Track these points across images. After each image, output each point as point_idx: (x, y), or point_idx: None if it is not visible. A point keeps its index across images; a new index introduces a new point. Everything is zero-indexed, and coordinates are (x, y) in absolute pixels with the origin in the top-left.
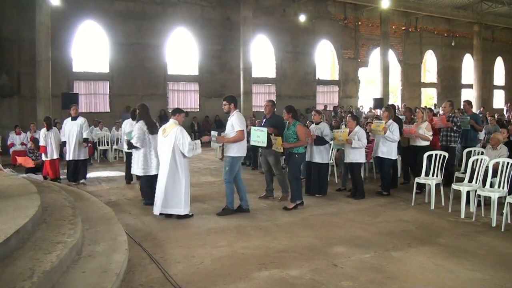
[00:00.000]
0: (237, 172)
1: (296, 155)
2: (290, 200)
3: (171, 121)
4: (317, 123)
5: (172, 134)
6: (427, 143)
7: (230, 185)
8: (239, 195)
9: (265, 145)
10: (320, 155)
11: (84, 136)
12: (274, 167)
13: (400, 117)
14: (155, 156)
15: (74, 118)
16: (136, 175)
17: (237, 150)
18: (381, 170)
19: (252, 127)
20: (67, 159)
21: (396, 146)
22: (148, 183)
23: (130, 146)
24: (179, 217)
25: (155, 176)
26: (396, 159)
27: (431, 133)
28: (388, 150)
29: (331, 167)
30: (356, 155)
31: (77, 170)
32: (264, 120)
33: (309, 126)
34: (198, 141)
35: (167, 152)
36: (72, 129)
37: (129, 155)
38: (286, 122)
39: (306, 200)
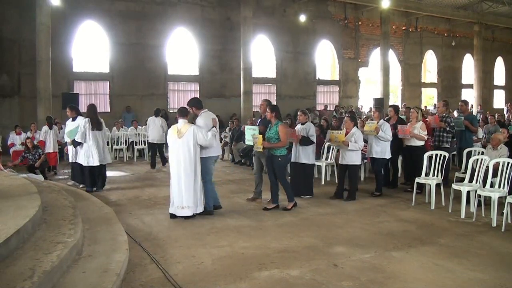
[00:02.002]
0: None
1: (279, 158)
2: (288, 200)
3: (182, 121)
4: (302, 124)
5: (188, 134)
6: (422, 142)
7: (207, 185)
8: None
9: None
10: (307, 156)
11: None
12: (267, 167)
13: (401, 117)
14: (96, 149)
15: (74, 119)
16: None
17: (208, 150)
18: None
19: (246, 126)
20: (70, 161)
21: (389, 146)
22: (91, 172)
23: (75, 143)
24: (187, 217)
25: (97, 166)
26: (390, 159)
27: (425, 132)
28: (382, 150)
29: (331, 167)
30: (353, 157)
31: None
32: (259, 120)
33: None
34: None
35: (185, 153)
36: None
37: (151, 146)
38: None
39: (300, 201)
